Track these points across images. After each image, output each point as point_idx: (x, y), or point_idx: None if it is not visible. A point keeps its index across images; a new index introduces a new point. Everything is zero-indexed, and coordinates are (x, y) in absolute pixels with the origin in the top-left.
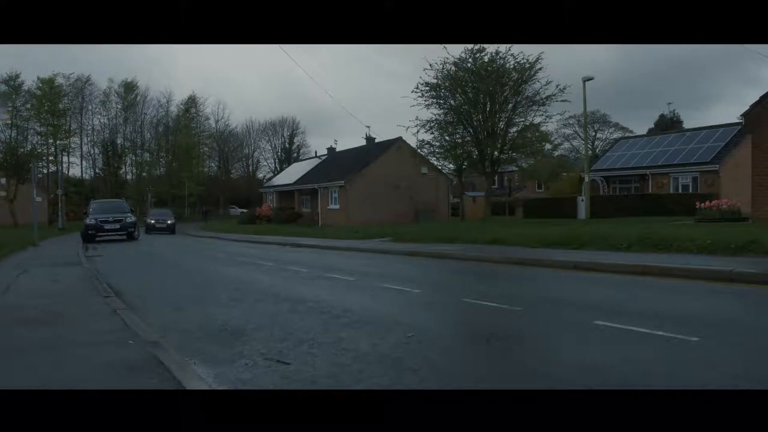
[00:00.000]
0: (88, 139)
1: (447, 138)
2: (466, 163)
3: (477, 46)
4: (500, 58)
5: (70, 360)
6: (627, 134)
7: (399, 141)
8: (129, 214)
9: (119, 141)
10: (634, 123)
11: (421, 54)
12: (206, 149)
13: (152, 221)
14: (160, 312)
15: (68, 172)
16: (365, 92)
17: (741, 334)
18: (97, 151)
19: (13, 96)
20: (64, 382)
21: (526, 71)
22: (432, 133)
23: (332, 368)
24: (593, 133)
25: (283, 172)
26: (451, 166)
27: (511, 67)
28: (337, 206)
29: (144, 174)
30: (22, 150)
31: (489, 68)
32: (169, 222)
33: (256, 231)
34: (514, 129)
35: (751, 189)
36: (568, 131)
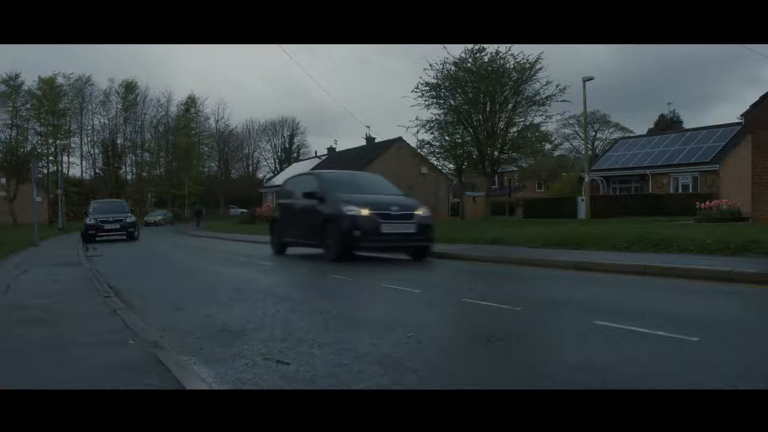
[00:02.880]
0: (88, 139)
1: (447, 138)
2: (466, 163)
3: (477, 46)
4: (500, 58)
5: (70, 360)
6: (627, 134)
7: (399, 141)
8: (129, 214)
9: (119, 141)
10: (634, 123)
11: (421, 54)
12: (206, 149)
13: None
14: (160, 312)
15: (68, 172)
16: (365, 92)
17: (741, 334)
18: (97, 151)
19: (13, 96)
20: (63, 382)
21: (526, 71)
22: (432, 133)
23: (332, 368)
24: (593, 133)
25: (283, 172)
26: (451, 166)
27: (511, 67)
28: None
29: (144, 174)
30: (22, 150)
31: (489, 68)
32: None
33: (256, 231)
34: (514, 129)
35: (751, 189)
36: (568, 131)
